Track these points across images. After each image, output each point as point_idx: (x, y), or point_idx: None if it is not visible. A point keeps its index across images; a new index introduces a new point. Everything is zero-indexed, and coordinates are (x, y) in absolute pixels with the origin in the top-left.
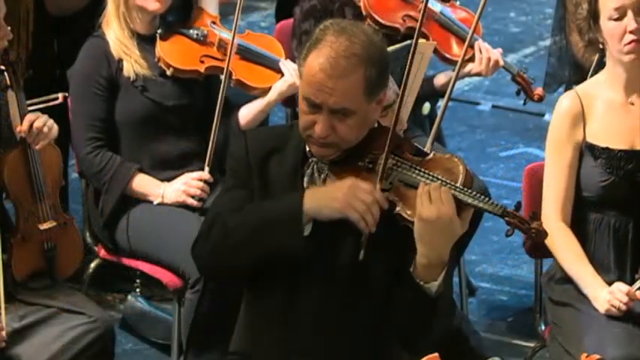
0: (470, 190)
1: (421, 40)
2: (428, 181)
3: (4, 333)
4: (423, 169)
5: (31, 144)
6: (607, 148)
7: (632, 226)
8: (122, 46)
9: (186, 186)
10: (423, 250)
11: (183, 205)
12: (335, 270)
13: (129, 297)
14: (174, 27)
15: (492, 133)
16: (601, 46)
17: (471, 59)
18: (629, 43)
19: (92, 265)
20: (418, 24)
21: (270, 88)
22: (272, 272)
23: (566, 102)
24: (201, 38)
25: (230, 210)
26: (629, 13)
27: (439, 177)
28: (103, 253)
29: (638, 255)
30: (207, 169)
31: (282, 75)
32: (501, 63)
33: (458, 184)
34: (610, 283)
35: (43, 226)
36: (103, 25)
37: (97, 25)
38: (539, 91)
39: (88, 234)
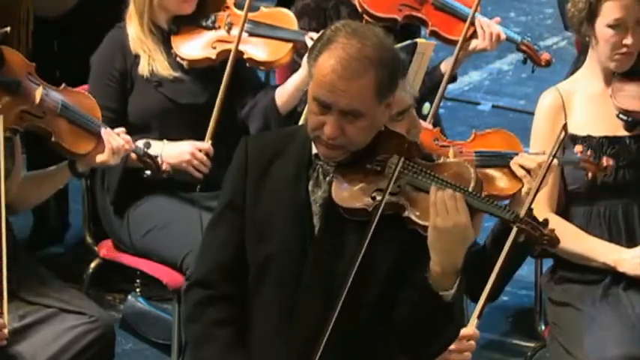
0: (481, 196)
1: (421, 40)
2: (438, 186)
3: (6, 331)
4: (432, 173)
5: None
6: (588, 136)
7: (621, 211)
8: (141, 44)
9: (191, 156)
10: (438, 259)
11: (180, 202)
12: (336, 275)
13: (129, 297)
14: (186, 19)
15: None
16: (587, 39)
17: (473, 36)
18: (622, 54)
19: (92, 265)
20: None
21: (281, 59)
22: (272, 279)
23: (548, 98)
24: (211, 24)
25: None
26: (630, 27)
27: (449, 181)
28: (103, 252)
29: (632, 238)
30: (209, 142)
31: (294, 44)
32: (503, 36)
33: (469, 189)
34: (603, 279)
35: None
36: (126, 18)
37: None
38: (545, 56)
39: (87, 234)
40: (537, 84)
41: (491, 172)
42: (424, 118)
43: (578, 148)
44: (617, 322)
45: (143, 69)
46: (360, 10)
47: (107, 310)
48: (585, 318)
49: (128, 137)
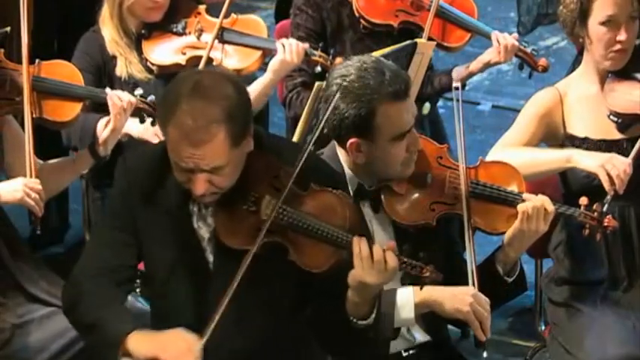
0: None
1: (420, 40)
2: (317, 226)
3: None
4: (303, 211)
5: None
6: (587, 138)
7: (618, 214)
8: (116, 46)
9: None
10: (357, 293)
11: None
12: (242, 299)
13: (129, 297)
14: (157, 25)
15: (492, 133)
16: (581, 40)
17: (469, 42)
18: (616, 51)
19: None
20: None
21: (250, 66)
22: (177, 284)
23: (546, 95)
24: (181, 30)
25: (91, 290)
26: (622, 23)
27: (319, 220)
28: None
29: (628, 241)
30: None
31: (263, 51)
32: (517, 46)
33: (345, 226)
34: (603, 281)
35: None
36: (100, 22)
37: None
38: (542, 62)
39: (87, 234)
40: (537, 84)
41: (484, 205)
42: (424, 117)
43: (584, 200)
44: (617, 323)
45: (121, 70)
46: (356, 15)
47: None
48: (585, 318)
49: (127, 95)
